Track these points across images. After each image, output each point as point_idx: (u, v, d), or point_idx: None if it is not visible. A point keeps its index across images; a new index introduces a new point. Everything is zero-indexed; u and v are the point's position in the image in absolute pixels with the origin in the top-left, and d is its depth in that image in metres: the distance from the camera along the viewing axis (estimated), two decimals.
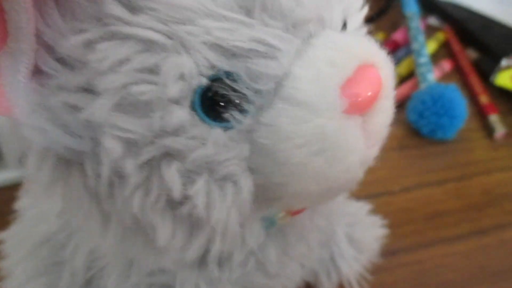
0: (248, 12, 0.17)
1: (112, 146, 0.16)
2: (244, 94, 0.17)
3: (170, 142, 0.16)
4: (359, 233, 0.33)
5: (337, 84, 0.17)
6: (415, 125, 0.46)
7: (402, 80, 0.52)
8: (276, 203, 0.20)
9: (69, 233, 0.26)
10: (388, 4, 0.62)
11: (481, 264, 0.35)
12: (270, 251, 0.24)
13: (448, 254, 0.36)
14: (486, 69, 0.52)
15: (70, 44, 0.16)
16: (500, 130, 0.46)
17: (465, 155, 0.45)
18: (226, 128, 0.17)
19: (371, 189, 0.41)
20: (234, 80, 0.17)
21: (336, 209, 0.29)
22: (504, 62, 0.49)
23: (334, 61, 0.17)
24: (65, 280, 0.26)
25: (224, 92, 0.17)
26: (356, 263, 0.32)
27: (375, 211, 0.35)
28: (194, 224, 0.18)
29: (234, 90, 0.17)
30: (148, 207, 0.17)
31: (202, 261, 0.23)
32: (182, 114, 0.16)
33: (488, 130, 0.47)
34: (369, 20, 0.62)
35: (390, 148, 0.46)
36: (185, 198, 0.17)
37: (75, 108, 0.16)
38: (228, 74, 0.17)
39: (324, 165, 0.18)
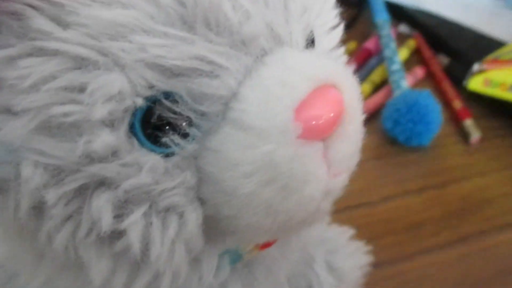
0: (191, 28, 0.15)
1: (30, 173, 0.14)
2: (187, 117, 0.15)
3: (98, 169, 0.15)
4: (340, 261, 0.31)
5: (289, 106, 0.15)
6: (391, 133, 0.45)
7: (375, 88, 0.52)
8: (230, 237, 0.18)
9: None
10: (359, 13, 0.62)
11: (463, 273, 0.34)
12: None
13: (430, 265, 0.35)
14: (457, 74, 0.53)
15: None
16: (475, 135, 0.46)
17: (442, 162, 0.45)
18: (169, 154, 0.16)
19: (350, 200, 0.40)
20: (176, 101, 0.15)
21: (312, 236, 0.28)
22: (476, 67, 0.49)
23: (285, 81, 0.16)
24: None
25: (165, 114, 0.15)
26: None
27: (354, 223, 0.34)
28: (136, 261, 0.16)
29: (176, 113, 0.15)
30: (79, 242, 0.16)
31: None
32: (111, 139, 0.15)
33: (463, 135, 0.47)
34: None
35: (366, 158, 0.45)
36: (118, 233, 0.16)
37: None
38: (169, 95, 0.15)
39: (276, 197, 0.16)
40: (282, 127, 0.15)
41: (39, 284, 0.18)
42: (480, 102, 0.50)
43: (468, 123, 0.47)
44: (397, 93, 0.48)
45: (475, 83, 0.49)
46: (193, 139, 0.16)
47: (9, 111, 0.15)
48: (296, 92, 0.15)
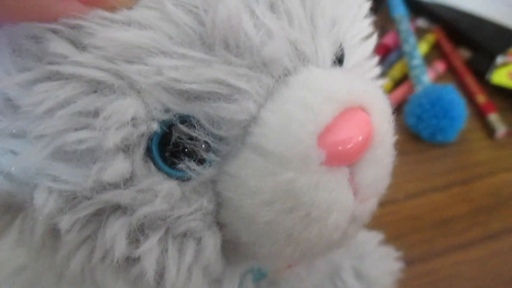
0: (209, 49, 0.14)
1: (44, 200, 0.14)
2: (205, 142, 0.15)
3: (112, 196, 0.14)
4: (369, 267, 0.29)
5: (312, 132, 0.14)
6: (414, 129, 0.44)
7: (396, 83, 0.51)
8: (251, 261, 0.17)
9: None
10: (376, 8, 0.62)
11: (496, 270, 0.34)
12: None
13: (461, 262, 0.34)
14: (480, 67, 0.52)
15: (13, 83, 0.14)
16: (500, 129, 0.45)
17: (468, 157, 0.44)
18: (187, 178, 0.15)
19: None
20: (193, 126, 0.15)
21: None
22: (499, 60, 0.48)
23: (308, 104, 0.14)
24: None
25: (182, 138, 0.15)
26: None
27: (380, 221, 0.33)
28: (155, 286, 0.16)
29: (192, 138, 0.15)
30: (94, 266, 0.15)
31: None
32: (125, 165, 0.14)
33: (488, 130, 0.46)
34: None
35: None
36: (133, 259, 0.15)
37: (13, 153, 0.14)
38: (186, 119, 0.15)
39: (297, 226, 0.15)
40: (304, 154, 0.14)
41: None
42: (504, 95, 0.49)
43: (493, 117, 0.46)
44: (418, 88, 0.47)
45: (499, 76, 0.48)
46: (211, 164, 0.15)
47: (24, 136, 0.14)
48: (320, 116, 0.14)
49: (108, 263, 0.15)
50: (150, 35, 0.14)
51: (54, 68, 0.14)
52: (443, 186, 0.41)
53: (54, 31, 0.14)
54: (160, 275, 0.16)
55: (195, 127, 0.15)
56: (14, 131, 0.14)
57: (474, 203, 0.39)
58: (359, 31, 0.20)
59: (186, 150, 0.15)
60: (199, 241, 0.16)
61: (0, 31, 0.14)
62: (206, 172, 0.15)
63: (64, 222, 0.14)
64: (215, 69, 0.14)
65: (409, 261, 0.34)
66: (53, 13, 0.14)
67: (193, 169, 0.15)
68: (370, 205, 0.17)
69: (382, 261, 0.30)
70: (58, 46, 0.14)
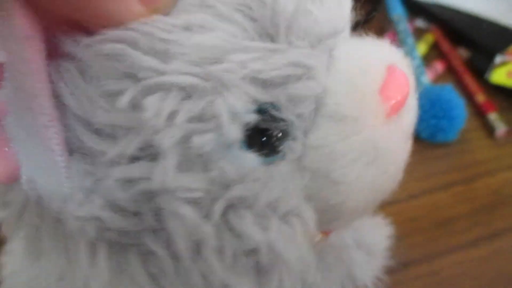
0: (273, 38, 0.16)
1: (186, 212, 0.14)
2: (289, 121, 0.16)
3: (238, 191, 0.15)
4: (367, 236, 0.31)
5: (375, 90, 0.17)
6: (414, 130, 0.44)
7: None
8: (333, 223, 0.19)
9: None
10: (374, 8, 0.62)
11: (499, 269, 0.34)
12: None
13: (464, 262, 0.34)
14: (479, 67, 0.51)
15: (112, 111, 0.14)
16: (500, 128, 0.45)
17: (468, 157, 0.44)
18: (278, 161, 0.16)
19: None
20: (277, 110, 0.16)
21: None
22: (498, 59, 0.48)
23: (365, 70, 0.17)
24: None
25: (269, 123, 0.16)
26: (369, 267, 0.31)
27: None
28: (261, 271, 0.16)
29: (278, 120, 0.16)
30: (226, 268, 0.16)
31: None
32: (247, 159, 0.15)
33: (488, 129, 0.46)
34: (356, 25, 0.61)
35: None
36: (260, 247, 0.16)
37: (132, 182, 0.14)
38: (271, 105, 0.16)
39: (378, 175, 0.17)
40: (375, 110, 0.17)
41: None
42: (503, 94, 0.49)
43: (493, 116, 0.46)
44: (418, 89, 0.47)
45: (498, 75, 0.48)
46: (295, 140, 0.16)
47: (149, 156, 0.14)
48: (376, 76, 0.17)
49: (237, 260, 0.16)
50: (221, 35, 0.15)
51: (149, 82, 0.14)
52: (444, 186, 0.41)
53: (130, 44, 0.14)
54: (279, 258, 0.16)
55: (280, 110, 0.16)
56: (131, 154, 0.14)
57: (475, 202, 0.39)
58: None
59: (272, 134, 0.16)
60: (299, 216, 0.16)
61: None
62: (294, 149, 0.16)
63: (206, 229, 0.15)
64: (288, 53, 0.16)
65: (411, 262, 0.34)
66: (116, 14, 0.14)
67: (289, 148, 0.16)
68: (408, 149, 0.20)
69: (376, 228, 0.32)
70: (144, 59, 0.14)
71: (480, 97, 0.48)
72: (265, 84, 0.15)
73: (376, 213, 0.33)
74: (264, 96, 0.15)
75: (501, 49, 0.49)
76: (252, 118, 0.15)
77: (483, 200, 0.39)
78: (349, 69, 0.17)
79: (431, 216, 0.38)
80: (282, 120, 0.16)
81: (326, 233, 0.22)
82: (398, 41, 0.54)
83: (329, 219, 0.18)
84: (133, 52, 0.14)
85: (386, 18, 0.59)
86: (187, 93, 0.14)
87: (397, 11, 0.57)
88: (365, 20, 0.66)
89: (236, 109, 0.15)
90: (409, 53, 0.51)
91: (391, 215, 0.38)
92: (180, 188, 0.14)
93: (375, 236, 0.32)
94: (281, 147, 0.16)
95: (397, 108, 0.17)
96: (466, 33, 0.56)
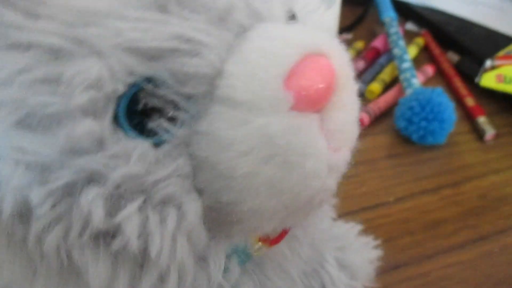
0: (163, 9, 0.15)
1: (11, 173, 0.14)
2: (173, 101, 0.15)
3: (84, 162, 0.14)
4: (350, 257, 0.30)
5: (277, 76, 0.15)
6: (404, 132, 0.45)
7: (386, 86, 0.51)
8: (235, 227, 0.17)
9: None
10: (365, 11, 0.62)
11: (486, 272, 0.34)
12: None
13: (451, 265, 0.34)
14: (468, 71, 0.52)
15: None
16: (490, 132, 0.45)
17: (457, 160, 0.44)
18: (159, 143, 0.15)
19: (365, 201, 0.39)
20: (159, 86, 0.14)
21: (321, 233, 0.26)
22: (488, 63, 0.49)
23: (270, 51, 0.15)
24: None
25: (150, 100, 0.15)
26: None
27: (371, 224, 0.33)
28: (138, 262, 0.16)
29: (160, 97, 0.15)
30: (72, 244, 0.15)
31: None
32: (93, 128, 0.14)
33: (478, 133, 0.46)
34: (347, 28, 0.61)
35: (380, 158, 0.44)
36: (114, 232, 0.15)
37: None
38: (151, 79, 0.14)
39: (277, 174, 0.15)
40: (272, 97, 0.14)
41: None
42: (492, 98, 0.50)
43: (482, 120, 0.46)
44: (408, 91, 0.47)
45: (488, 80, 0.49)
46: (182, 124, 0.15)
47: None
48: (283, 60, 0.15)
49: (86, 239, 0.15)
50: (106, 1, 0.14)
51: (9, 37, 0.14)
52: (433, 188, 0.41)
53: (4, 4, 0.14)
54: (144, 250, 0.15)
55: (161, 87, 0.15)
56: None
57: (464, 206, 0.39)
58: (306, 3, 0.20)
59: (154, 112, 0.15)
60: (179, 207, 0.15)
61: None
62: (178, 132, 0.15)
63: (35, 195, 0.14)
64: (173, 25, 0.14)
65: (400, 264, 0.34)
66: None
67: (165, 130, 0.15)
68: (343, 155, 0.17)
69: (362, 250, 0.31)
70: (8, 14, 0.14)
71: (470, 101, 0.49)
72: (144, 55, 0.14)
73: (366, 219, 0.33)
74: (144, 69, 0.14)
75: (490, 54, 0.50)
76: (121, 89, 0.14)
77: (471, 203, 0.39)
78: (252, 50, 0.15)
79: (419, 219, 0.38)
80: (163, 97, 0.15)
81: (270, 242, 0.20)
82: (389, 44, 0.54)
83: (228, 221, 0.16)
84: (3, 11, 0.14)
85: (377, 22, 0.59)
86: (53, 54, 0.14)
87: (388, 14, 0.58)
88: (356, 22, 0.66)
89: (97, 76, 0.14)
90: (400, 56, 0.51)
91: (380, 218, 0.38)
92: (12, 147, 0.14)
93: (361, 259, 0.30)
94: (152, 127, 0.15)
95: (310, 101, 0.15)
96: (456, 37, 0.56)
